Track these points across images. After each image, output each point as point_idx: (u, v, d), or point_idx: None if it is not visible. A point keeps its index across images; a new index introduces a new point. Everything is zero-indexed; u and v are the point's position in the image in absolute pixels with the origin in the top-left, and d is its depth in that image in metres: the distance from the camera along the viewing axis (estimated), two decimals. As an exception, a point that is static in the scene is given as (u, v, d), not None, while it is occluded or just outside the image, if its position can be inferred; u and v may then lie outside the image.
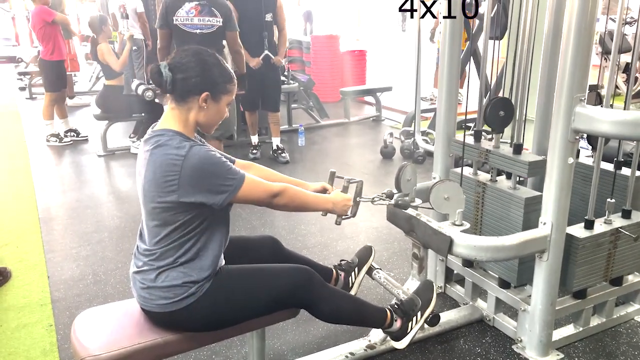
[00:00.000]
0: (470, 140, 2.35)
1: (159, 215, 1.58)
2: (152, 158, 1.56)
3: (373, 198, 1.95)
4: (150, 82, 1.62)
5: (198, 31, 3.69)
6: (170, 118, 1.63)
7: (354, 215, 1.87)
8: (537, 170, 2.11)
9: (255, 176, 1.67)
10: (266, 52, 4.61)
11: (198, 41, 3.68)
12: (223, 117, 1.70)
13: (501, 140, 2.29)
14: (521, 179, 2.45)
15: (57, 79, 5.54)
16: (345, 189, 1.86)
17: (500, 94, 2.43)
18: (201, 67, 1.60)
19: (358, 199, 1.87)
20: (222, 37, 3.79)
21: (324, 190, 1.95)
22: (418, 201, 2.13)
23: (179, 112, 1.62)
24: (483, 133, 2.38)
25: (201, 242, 1.62)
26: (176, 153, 1.52)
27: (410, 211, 2.09)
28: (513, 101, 2.28)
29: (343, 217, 1.84)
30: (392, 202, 1.94)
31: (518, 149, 2.18)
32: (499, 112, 2.20)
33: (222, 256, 1.73)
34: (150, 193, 1.57)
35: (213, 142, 3.89)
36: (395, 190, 1.97)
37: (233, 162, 1.80)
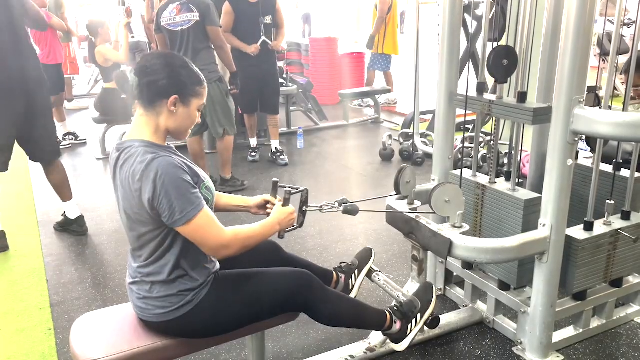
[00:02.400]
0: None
1: (137, 231, 1.56)
2: (120, 176, 1.56)
3: (321, 206, 1.91)
4: None
5: (179, 28, 3.82)
6: (140, 126, 1.58)
7: (300, 225, 1.83)
8: (542, 117, 2.00)
9: (215, 218, 1.56)
10: (263, 38, 4.59)
11: (181, 38, 3.82)
12: (194, 122, 1.64)
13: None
14: (520, 180, 2.45)
15: (54, 82, 5.53)
16: (286, 202, 1.76)
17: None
18: (168, 69, 1.55)
19: (305, 208, 1.84)
20: (204, 33, 3.87)
21: (264, 204, 1.88)
22: (418, 203, 2.13)
23: (148, 119, 1.57)
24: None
25: (185, 255, 1.59)
26: (138, 168, 1.49)
27: (409, 213, 2.09)
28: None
29: (286, 230, 1.76)
30: (341, 209, 1.89)
31: (522, 97, 2.07)
32: (503, 61, 2.10)
33: (215, 260, 1.73)
34: (124, 210, 1.57)
35: (221, 141, 3.97)
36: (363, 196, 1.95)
37: (197, 184, 1.59)
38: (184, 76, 1.57)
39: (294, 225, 1.78)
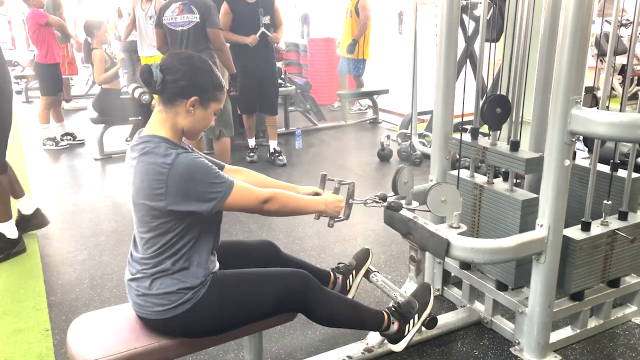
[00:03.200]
0: (467, 138, 2.34)
1: (150, 223, 1.57)
2: (139, 167, 1.55)
3: (366, 200, 1.94)
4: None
5: (180, 28, 3.87)
6: (157, 122, 1.61)
7: (347, 217, 1.85)
8: (534, 167, 2.09)
9: (245, 182, 1.65)
10: (262, 29, 4.59)
11: (181, 38, 3.85)
12: (209, 125, 1.68)
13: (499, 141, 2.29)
14: (518, 181, 2.46)
15: (52, 82, 5.53)
16: (336, 191, 1.84)
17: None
18: (192, 71, 1.59)
19: (350, 200, 1.86)
20: (204, 34, 3.89)
21: (315, 195, 1.91)
22: (415, 204, 2.13)
23: (166, 116, 1.60)
24: (480, 134, 2.38)
25: (194, 248, 1.61)
26: (162, 162, 1.50)
27: (407, 214, 2.09)
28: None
29: (335, 219, 1.82)
30: (385, 204, 1.93)
31: (515, 146, 2.16)
32: (496, 110, 2.18)
33: (216, 259, 1.73)
34: (139, 202, 1.56)
35: (217, 142, 4.02)
36: (391, 193, 1.96)
37: (222, 168, 1.80)
38: (208, 80, 1.62)
39: (340, 217, 1.82)
